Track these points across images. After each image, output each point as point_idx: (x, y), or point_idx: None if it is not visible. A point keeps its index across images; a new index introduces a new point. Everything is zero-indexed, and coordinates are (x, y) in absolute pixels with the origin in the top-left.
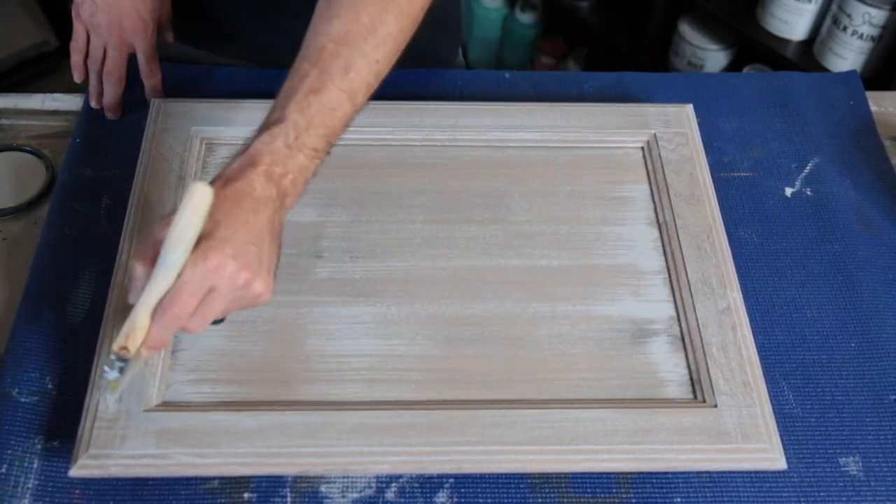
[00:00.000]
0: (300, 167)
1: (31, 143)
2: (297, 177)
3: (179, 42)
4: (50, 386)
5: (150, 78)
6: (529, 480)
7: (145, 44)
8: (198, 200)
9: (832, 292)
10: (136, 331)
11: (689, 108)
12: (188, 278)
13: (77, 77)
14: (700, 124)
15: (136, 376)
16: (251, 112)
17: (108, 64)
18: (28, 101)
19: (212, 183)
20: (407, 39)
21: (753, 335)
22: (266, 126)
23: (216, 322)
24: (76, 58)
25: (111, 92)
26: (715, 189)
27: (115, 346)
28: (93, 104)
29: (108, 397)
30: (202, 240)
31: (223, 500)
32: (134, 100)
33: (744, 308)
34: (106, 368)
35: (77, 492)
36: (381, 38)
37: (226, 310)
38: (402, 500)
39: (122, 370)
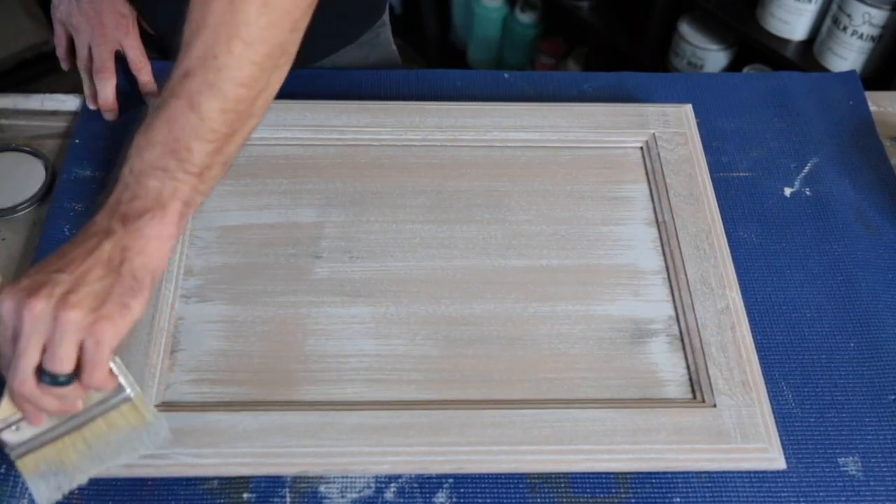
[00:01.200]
0: (150, 190)
1: (31, 143)
2: (147, 201)
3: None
4: None
5: (141, 72)
6: (529, 480)
7: (129, 38)
8: None
9: (831, 292)
10: (4, 404)
11: (689, 107)
12: None
13: (65, 66)
14: (699, 124)
15: (62, 466)
16: None
17: (96, 63)
18: (28, 102)
19: None
20: (260, 22)
21: (752, 335)
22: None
23: (54, 382)
24: (60, 52)
25: (104, 90)
26: (714, 189)
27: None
28: (90, 106)
29: (31, 486)
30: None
31: (222, 501)
32: (133, 100)
33: (743, 308)
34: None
35: (76, 492)
36: (211, 31)
37: (50, 356)
38: (402, 500)
39: (11, 448)
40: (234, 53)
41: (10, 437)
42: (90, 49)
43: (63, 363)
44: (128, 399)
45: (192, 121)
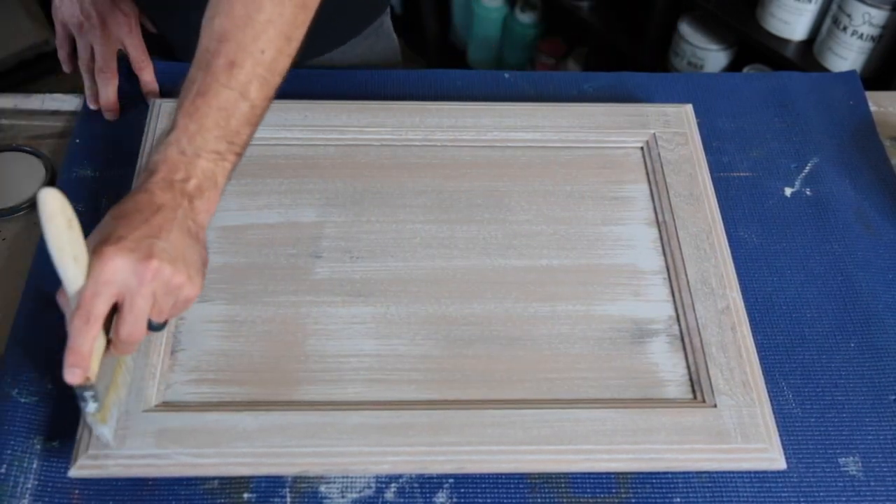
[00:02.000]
0: (203, 171)
1: (31, 143)
2: (202, 181)
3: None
4: (50, 386)
5: (143, 71)
6: (529, 480)
7: (131, 37)
8: (49, 206)
9: (831, 292)
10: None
11: (689, 107)
12: (88, 281)
13: (66, 68)
14: (700, 124)
15: (121, 401)
16: None
17: (99, 62)
18: (28, 101)
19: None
20: (298, 20)
21: (753, 335)
22: (160, 139)
23: (156, 328)
24: (62, 53)
25: (106, 90)
26: (714, 189)
27: (81, 381)
28: (91, 106)
29: (101, 430)
30: (98, 245)
31: (223, 501)
32: (133, 100)
33: (743, 308)
34: (82, 404)
35: (76, 492)
36: (261, 27)
37: (158, 311)
38: (402, 500)
39: (95, 398)
40: (278, 48)
41: (90, 406)
42: (92, 49)
43: (165, 315)
44: None
45: (245, 109)
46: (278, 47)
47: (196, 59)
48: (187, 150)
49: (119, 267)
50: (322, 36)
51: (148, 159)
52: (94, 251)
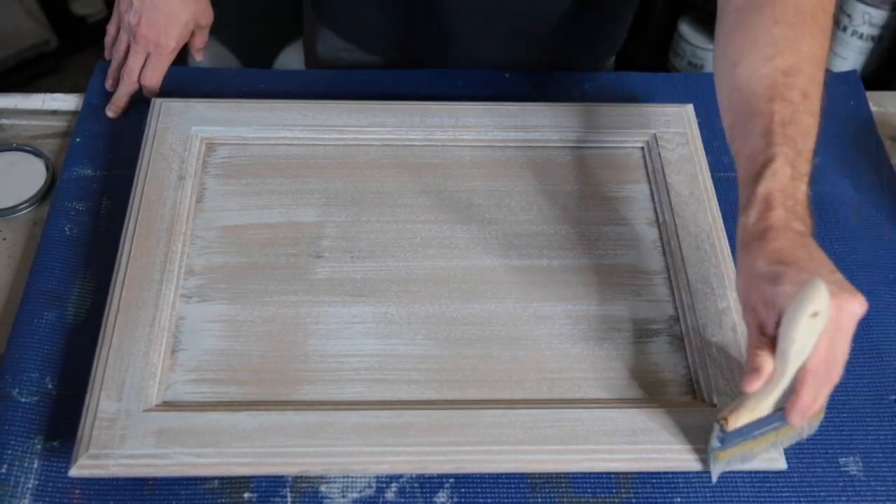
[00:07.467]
0: (802, 194)
1: (31, 143)
2: (798, 204)
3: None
4: (50, 386)
5: (149, 80)
6: (529, 480)
7: (159, 61)
8: (817, 301)
9: None
10: (742, 411)
11: (689, 108)
12: (830, 331)
13: (106, 54)
14: (700, 124)
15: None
16: (251, 112)
17: (130, 63)
18: (28, 101)
19: (745, 242)
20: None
21: None
22: (759, 170)
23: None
24: (107, 39)
25: (124, 89)
26: (715, 189)
27: (719, 415)
28: (107, 86)
29: (712, 466)
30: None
31: (223, 500)
32: (134, 100)
33: None
34: (712, 437)
35: (77, 492)
36: (821, 61)
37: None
38: (402, 500)
39: (722, 441)
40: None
41: (713, 443)
42: (128, 47)
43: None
44: None
45: (814, 131)
46: (821, 73)
47: (755, 92)
48: (794, 174)
49: (854, 312)
50: None
51: (753, 191)
52: (836, 301)
